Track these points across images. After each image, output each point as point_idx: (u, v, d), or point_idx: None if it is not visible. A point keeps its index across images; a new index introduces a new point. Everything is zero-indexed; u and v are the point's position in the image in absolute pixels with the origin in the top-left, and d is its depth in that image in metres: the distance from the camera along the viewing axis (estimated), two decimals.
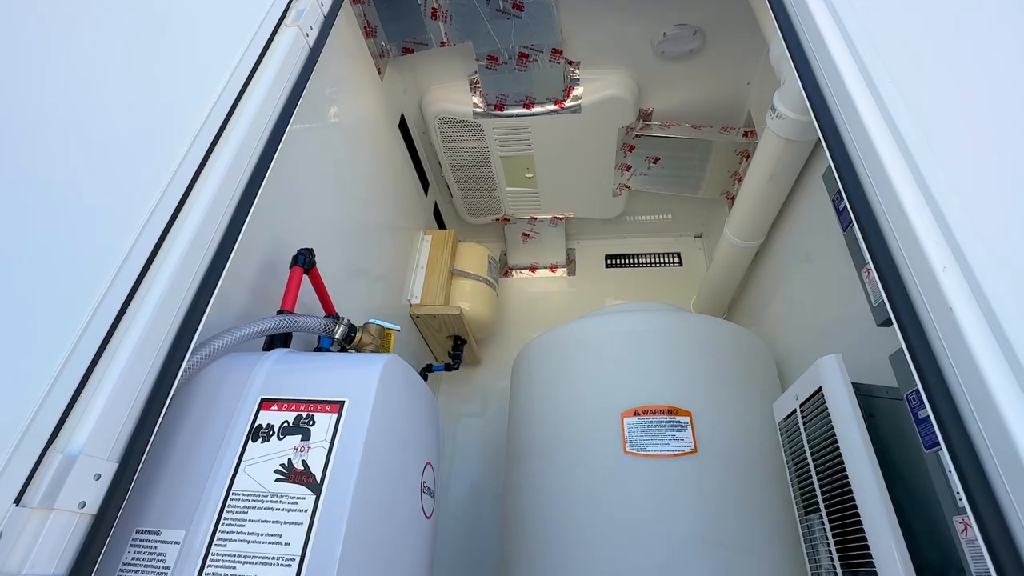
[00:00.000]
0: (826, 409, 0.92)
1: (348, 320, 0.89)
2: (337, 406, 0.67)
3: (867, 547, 0.79)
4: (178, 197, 0.71)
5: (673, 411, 1.19)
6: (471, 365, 2.25)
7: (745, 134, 1.81)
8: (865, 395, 0.92)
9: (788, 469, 1.06)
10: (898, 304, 0.60)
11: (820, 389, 0.93)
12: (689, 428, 1.17)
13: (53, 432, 0.55)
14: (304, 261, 0.96)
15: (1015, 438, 0.48)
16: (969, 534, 0.65)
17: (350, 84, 1.49)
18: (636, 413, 1.20)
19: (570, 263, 2.52)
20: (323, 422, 0.66)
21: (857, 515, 0.82)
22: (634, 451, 1.16)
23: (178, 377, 0.64)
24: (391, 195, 1.79)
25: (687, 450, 1.14)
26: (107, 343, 0.59)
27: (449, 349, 2.02)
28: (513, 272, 2.54)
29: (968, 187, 0.62)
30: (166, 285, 0.64)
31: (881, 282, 0.64)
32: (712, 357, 1.28)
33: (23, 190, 0.62)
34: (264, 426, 0.66)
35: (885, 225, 0.66)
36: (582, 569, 1.08)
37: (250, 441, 0.65)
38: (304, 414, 0.67)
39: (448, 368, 1.98)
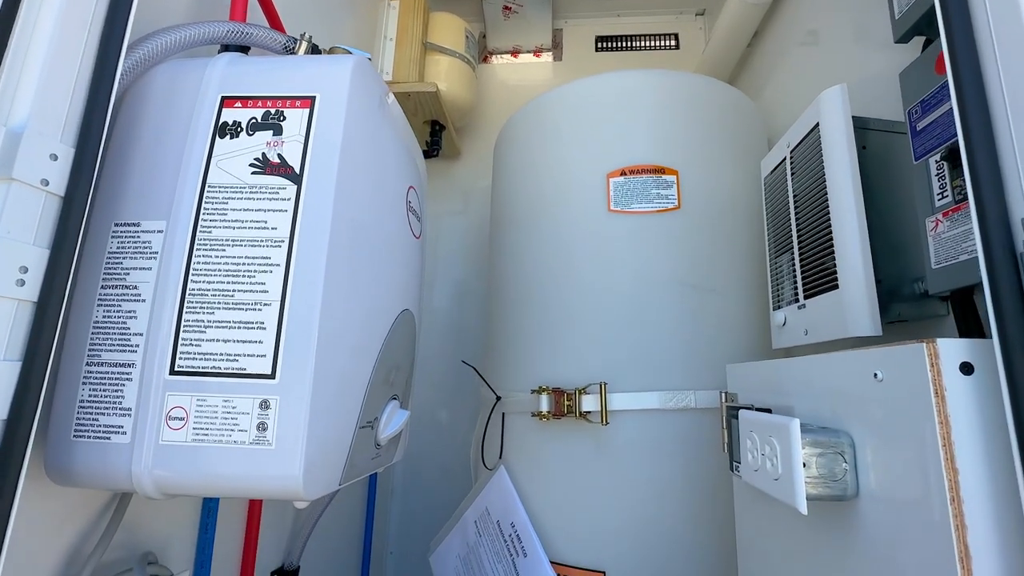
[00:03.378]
0: (819, 149, 0.90)
1: (311, 37, 0.79)
2: (308, 101, 0.61)
3: (833, 272, 0.85)
4: None
5: (659, 170, 1.17)
6: (450, 158, 2.17)
7: None
8: (860, 128, 0.90)
9: (766, 220, 1.09)
10: None
11: (817, 125, 0.91)
12: (675, 186, 1.17)
13: None
14: None
15: None
16: (940, 228, 0.69)
17: None
18: (623, 173, 1.18)
19: (556, 47, 2.29)
20: (295, 118, 0.61)
21: (829, 245, 0.86)
22: (618, 209, 1.17)
23: (120, 63, 0.56)
24: None
25: (670, 206, 1.16)
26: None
27: (427, 136, 1.92)
28: (493, 57, 2.30)
29: None
30: None
31: None
32: (705, 117, 1.23)
33: None
34: (230, 123, 0.61)
35: None
36: (564, 319, 1.17)
37: (217, 137, 0.61)
38: (272, 110, 0.61)
39: (426, 155, 1.90)
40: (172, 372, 0.55)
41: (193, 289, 0.57)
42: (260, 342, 0.55)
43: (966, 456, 0.44)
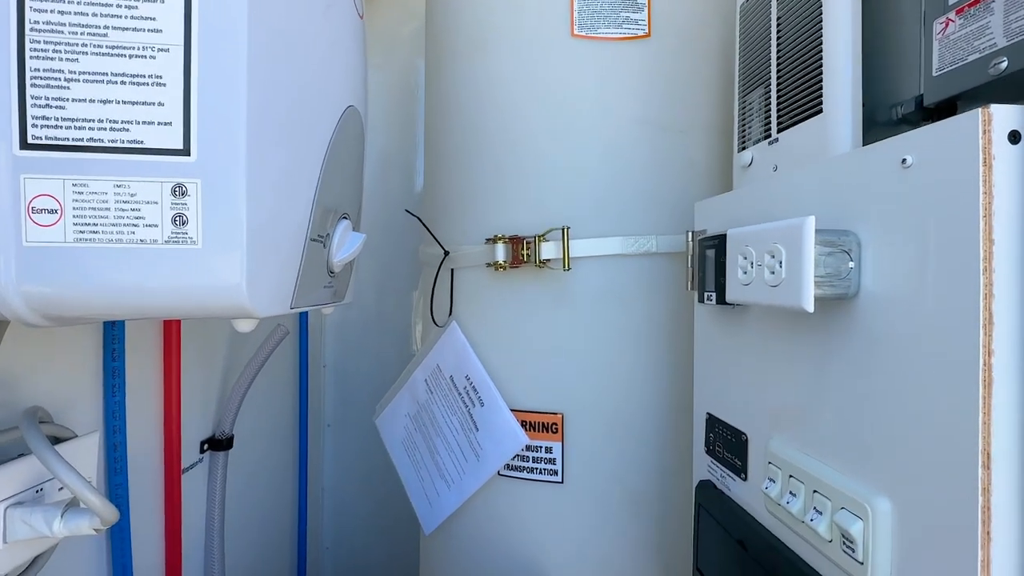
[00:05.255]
0: None
1: None
2: None
3: (817, 98, 0.80)
4: None
5: None
6: None
7: None
8: None
9: (738, 54, 1.01)
10: None
11: None
12: (645, 9, 1.03)
13: None
14: None
15: None
16: (949, 29, 0.65)
17: None
18: None
19: None
20: None
21: (817, 67, 0.81)
22: (583, 34, 1.02)
23: None
24: None
25: (640, 33, 1.03)
26: None
27: None
28: None
29: None
30: None
31: None
32: None
33: None
34: None
35: None
36: (520, 162, 1.05)
37: None
38: None
39: None
40: (25, 146, 0.38)
41: (36, 22, 0.38)
42: (160, 104, 0.39)
43: (1003, 227, 0.41)
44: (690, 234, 0.91)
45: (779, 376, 0.66)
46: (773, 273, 0.57)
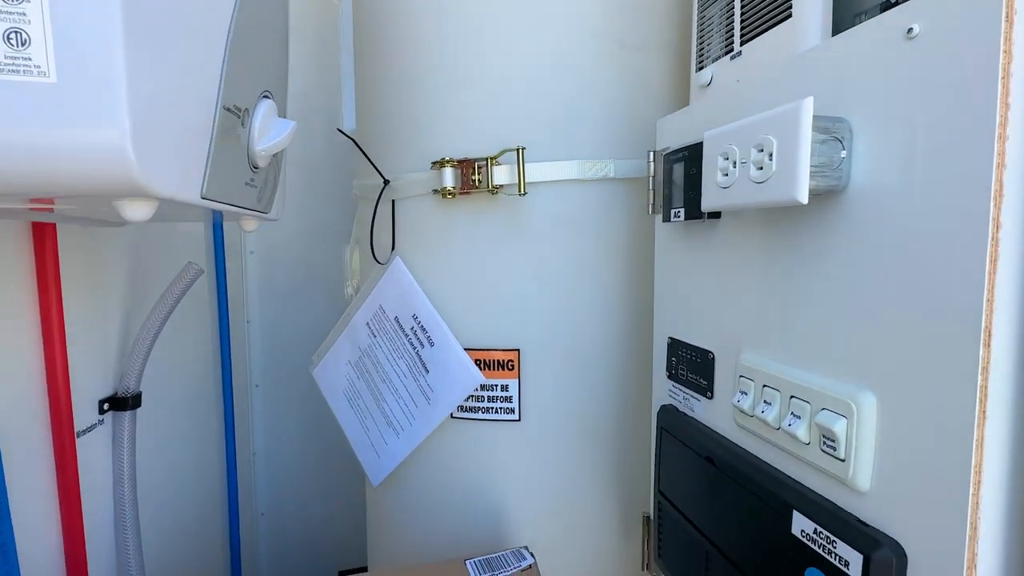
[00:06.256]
0: None
1: None
2: None
3: (784, 8, 0.76)
4: None
5: None
6: None
7: None
8: None
9: None
10: None
11: None
12: None
13: None
14: None
15: None
16: None
17: None
18: None
19: None
20: None
21: None
22: None
23: None
24: None
25: None
26: None
27: None
28: None
29: None
30: None
31: None
32: None
33: None
34: None
35: None
36: (467, 78, 0.95)
37: None
38: None
39: None
40: None
41: None
42: None
43: (1020, 90, 0.39)
44: (651, 154, 0.86)
45: (754, 286, 0.63)
46: (761, 169, 0.53)
